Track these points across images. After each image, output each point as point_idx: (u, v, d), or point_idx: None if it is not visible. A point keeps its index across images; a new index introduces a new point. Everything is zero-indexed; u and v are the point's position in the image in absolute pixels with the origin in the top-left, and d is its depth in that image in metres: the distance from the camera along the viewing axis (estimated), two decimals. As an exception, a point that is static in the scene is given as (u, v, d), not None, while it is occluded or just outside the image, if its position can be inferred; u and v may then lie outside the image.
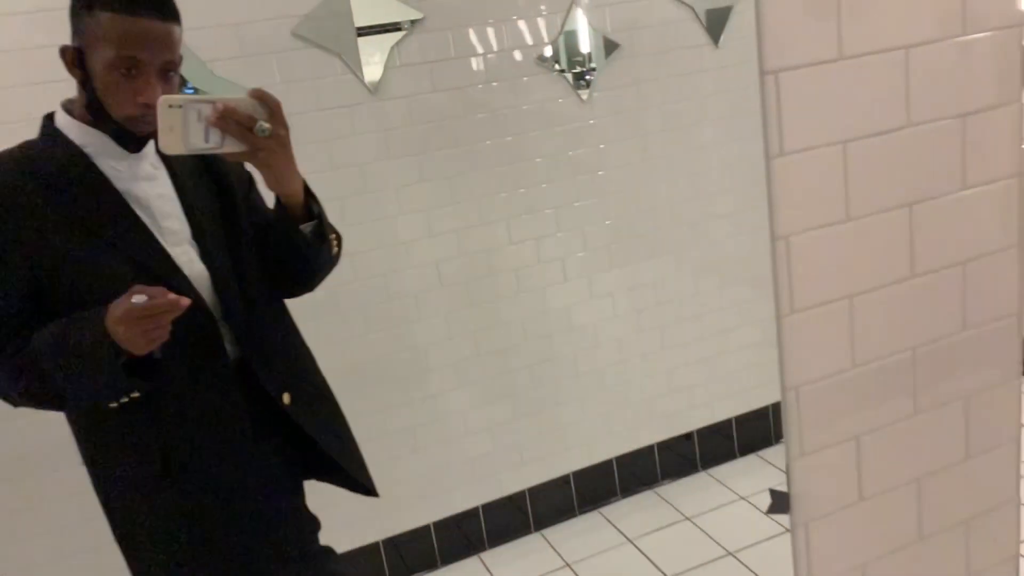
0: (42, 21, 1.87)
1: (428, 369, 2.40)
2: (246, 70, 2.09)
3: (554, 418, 2.60)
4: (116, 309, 1.05)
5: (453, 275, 2.39)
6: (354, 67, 2.20)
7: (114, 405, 1.17)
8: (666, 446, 2.77)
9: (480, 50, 2.32)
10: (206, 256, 1.25)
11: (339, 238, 1.36)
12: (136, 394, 1.16)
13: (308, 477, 1.48)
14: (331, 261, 1.36)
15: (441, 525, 2.51)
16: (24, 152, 1.19)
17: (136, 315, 1.03)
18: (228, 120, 1.04)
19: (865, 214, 1.00)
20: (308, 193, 1.24)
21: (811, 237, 0.97)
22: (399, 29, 2.24)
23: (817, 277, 0.99)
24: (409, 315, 2.35)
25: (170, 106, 1.01)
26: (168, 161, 1.27)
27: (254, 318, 1.29)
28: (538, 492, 2.62)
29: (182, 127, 1.02)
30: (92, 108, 1.16)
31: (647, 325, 2.66)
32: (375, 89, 2.22)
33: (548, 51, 2.39)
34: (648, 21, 2.48)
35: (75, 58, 1.13)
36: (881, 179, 1.00)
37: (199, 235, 1.25)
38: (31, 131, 1.23)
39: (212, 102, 1.03)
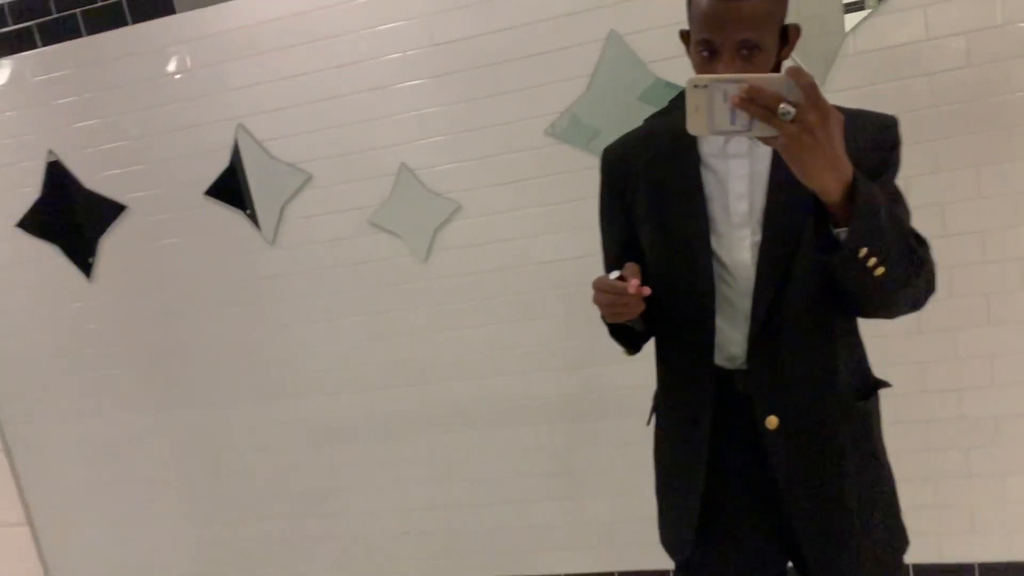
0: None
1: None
2: (685, 70, 1.92)
3: (952, 489, 2.13)
4: (600, 276, 1.13)
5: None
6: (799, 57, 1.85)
7: (627, 356, 1.35)
8: None
9: (962, 28, 1.83)
10: (765, 244, 1.16)
11: (905, 257, 1.03)
12: (626, 352, 1.34)
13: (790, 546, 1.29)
14: (872, 283, 1.01)
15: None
16: (652, 126, 1.31)
17: (601, 288, 1.10)
18: (752, 102, 0.90)
19: None
20: (854, 196, 0.95)
21: None
22: (861, 8, 1.83)
23: None
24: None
25: (695, 86, 0.93)
26: None
27: (779, 321, 1.18)
28: (927, 573, 2.19)
29: (707, 108, 0.94)
30: None
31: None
32: (823, 81, 1.86)
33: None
34: None
35: (687, 41, 1.17)
36: None
37: (768, 222, 1.16)
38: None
39: (740, 81, 0.91)
